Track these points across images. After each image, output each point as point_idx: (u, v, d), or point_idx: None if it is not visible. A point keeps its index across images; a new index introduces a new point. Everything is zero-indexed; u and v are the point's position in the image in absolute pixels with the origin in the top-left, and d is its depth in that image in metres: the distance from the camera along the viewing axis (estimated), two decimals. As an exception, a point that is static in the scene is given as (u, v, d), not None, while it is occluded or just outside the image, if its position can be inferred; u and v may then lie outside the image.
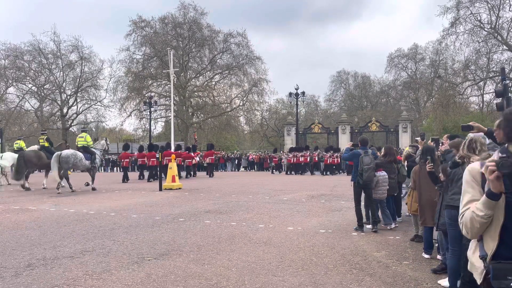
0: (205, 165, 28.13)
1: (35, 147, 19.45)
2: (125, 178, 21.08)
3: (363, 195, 7.66)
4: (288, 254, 5.69)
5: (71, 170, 17.12)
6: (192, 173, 25.42)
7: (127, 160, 22.83)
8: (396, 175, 8.13)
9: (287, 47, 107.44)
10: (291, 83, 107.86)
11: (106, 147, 17.80)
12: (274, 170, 30.67)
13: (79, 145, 16.07)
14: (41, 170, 19.35)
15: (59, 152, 15.20)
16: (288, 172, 27.91)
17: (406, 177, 8.37)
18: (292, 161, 27.62)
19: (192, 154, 25.92)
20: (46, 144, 17.82)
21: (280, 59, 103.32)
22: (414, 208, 6.53)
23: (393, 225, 7.86)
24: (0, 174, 19.24)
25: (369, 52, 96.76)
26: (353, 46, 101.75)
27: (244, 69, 47.64)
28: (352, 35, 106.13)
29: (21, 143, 20.56)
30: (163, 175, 16.13)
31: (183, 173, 23.88)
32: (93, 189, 15.46)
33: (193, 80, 49.22)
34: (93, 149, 16.17)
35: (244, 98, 48.79)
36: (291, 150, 29.48)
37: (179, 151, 23.67)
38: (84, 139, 16.09)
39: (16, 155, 18.57)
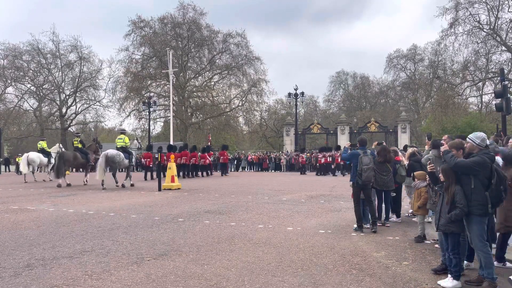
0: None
1: (56, 147, 22.05)
2: (146, 177, 22.82)
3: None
4: (287, 255, 5.68)
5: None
6: (208, 172, 27.06)
7: (150, 159, 24.25)
8: (389, 173, 8.11)
9: (288, 47, 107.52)
10: (292, 83, 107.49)
11: (140, 146, 19.59)
12: (303, 171, 29.79)
13: (118, 146, 17.45)
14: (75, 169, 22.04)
15: (106, 152, 16.81)
16: (319, 173, 27.20)
17: (405, 177, 8.37)
18: (321, 162, 27.50)
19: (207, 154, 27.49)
20: (80, 146, 19.52)
21: (281, 59, 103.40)
22: (415, 207, 6.59)
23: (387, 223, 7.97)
24: (31, 172, 21.61)
25: (371, 52, 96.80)
26: (355, 46, 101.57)
27: (243, 70, 47.65)
28: (354, 35, 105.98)
29: (43, 144, 22.71)
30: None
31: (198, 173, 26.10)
32: (132, 185, 17.07)
33: (192, 80, 49.20)
34: (130, 149, 17.81)
35: (243, 98, 48.80)
36: (321, 150, 29.49)
37: (195, 152, 25.84)
38: (123, 140, 17.58)
39: (40, 155, 21.71)
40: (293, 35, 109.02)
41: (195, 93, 48.90)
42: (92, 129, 58.95)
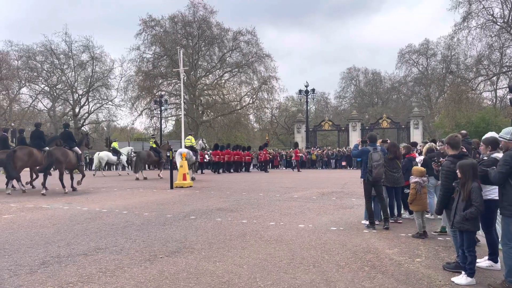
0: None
1: (127, 148, 27.52)
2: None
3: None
4: (299, 252, 5.68)
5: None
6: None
7: (201, 157, 27.39)
8: (398, 170, 8.04)
9: (303, 42, 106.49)
10: (307, 79, 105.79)
11: (204, 146, 23.08)
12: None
13: (187, 145, 20.46)
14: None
15: (179, 150, 19.03)
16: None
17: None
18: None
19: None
20: (154, 145, 23.05)
21: (296, 55, 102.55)
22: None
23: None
24: (98, 168, 25.77)
25: (389, 47, 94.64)
26: (372, 41, 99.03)
27: (254, 67, 47.64)
28: (372, 29, 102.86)
29: (115, 144, 27.41)
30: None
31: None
32: (193, 178, 19.46)
33: (203, 78, 49.35)
34: (196, 148, 20.91)
35: (254, 96, 48.79)
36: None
37: (238, 150, 30.28)
38: (190, 141, 20.84)
39: (109, 153, 26.08)
40: (309, 30, 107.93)
41: (206, 91, 49.05)
42: (105, 128, 59.57)
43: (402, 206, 8.59)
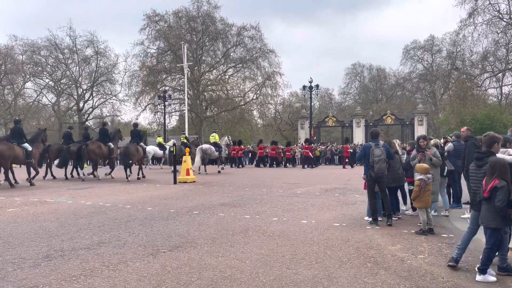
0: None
1: (171, 143, 27.41)
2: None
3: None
4: (301, 247, 5.68)
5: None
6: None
7: (234, 152, 30.29)
8: (400, 167, 8.04)
9: (312, 37, 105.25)
10: (313, 74, 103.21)
11: (229, 143, 24.93)
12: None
13: (211, 141, 22.46)
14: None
15: (200, 146, 21.68)
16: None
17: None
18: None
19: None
20: (185, 141, 24.67)
21: (304, 50, 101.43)
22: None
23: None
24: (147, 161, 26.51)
25: (399, 41, 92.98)
26: (382, 36, 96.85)
27: (258, 63, 47.55)
28: (382, 23, 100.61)
29: (159, 139, 29.48)
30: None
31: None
32: (219, 171, 21.72)
33: (206, 74, 49.30)
34: (220, 144, 22.38)
35: (258, 92, 48.71)
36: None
37: (275, 145, 31.91)
38: (214, 137, 22.68)
39: (156, 148, 26.73)
40: (318, 24, 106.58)
41: (209, 87, 49.01)
42: (109, 123, 59.68)
43: (403, 202, 8.59)
